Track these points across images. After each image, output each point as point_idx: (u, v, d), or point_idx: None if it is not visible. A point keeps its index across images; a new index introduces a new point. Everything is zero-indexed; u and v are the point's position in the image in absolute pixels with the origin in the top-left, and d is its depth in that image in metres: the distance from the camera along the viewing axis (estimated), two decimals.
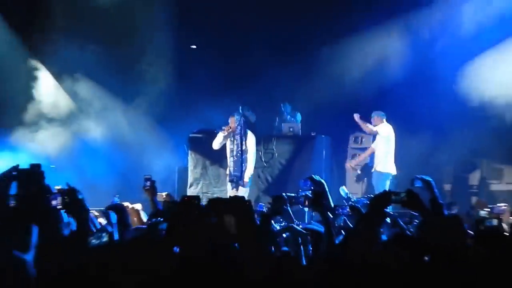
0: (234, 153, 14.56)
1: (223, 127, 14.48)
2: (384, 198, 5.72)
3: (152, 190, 8.63)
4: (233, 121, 14.39)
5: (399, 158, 15.48)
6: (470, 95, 16.01)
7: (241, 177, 14.47)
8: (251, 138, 14.70)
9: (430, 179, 6.88)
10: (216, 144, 14.58)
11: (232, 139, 14.54)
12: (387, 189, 12.26)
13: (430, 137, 16.50)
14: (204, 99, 17.35)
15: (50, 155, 16.61)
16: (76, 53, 17.54)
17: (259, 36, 17.79)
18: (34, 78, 18.24)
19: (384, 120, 15.11)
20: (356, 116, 15.19)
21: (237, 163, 14.59)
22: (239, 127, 14.47)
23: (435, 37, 17.14)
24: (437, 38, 17.08)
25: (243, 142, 14.65)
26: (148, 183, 8.56)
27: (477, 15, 16.33)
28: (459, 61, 16.42)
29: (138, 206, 9.18)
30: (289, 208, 7.80)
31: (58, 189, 5.90)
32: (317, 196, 6.76)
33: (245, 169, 14.50)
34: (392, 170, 15.04)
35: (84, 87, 18.20)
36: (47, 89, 18.35)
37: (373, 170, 15.20)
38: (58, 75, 18.19)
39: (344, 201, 10.99)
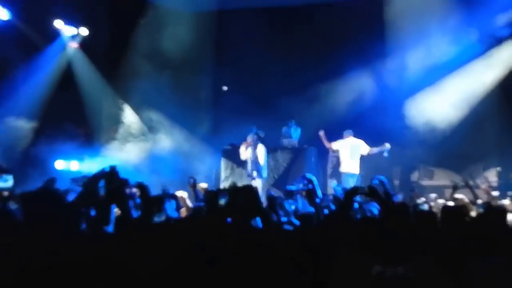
0: (250, 159, 17.84)
1: (243, 142, 17.94)
2: (354, 191, 6.88)
3: (194, 185, 11.44)
4: (249, 138, 17.76)
5: (367, 161, 18.23)
6: (414, 118, 19.17)
7: (255, 174, 17.58)
8: (261, 149, 17.85)
9: (383, 178, 8.31)
10: (242, 156, 17.90)
11: (249, 149, 17.87)
12: (352, 185, 15.77)
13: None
14: (233, 122, 19.82)
15: (133, 161, 19.32)
16: (148, 88, 20.36)
17: (274, 74, 20.38)
18: (120, 108, 21.08)
19: (350, 136, 18.10)
20: (321, 133, 18.18)
21: (252, 165, 17.78)
22: (252, 142, 17.74)
23: (393, 77, 19.75)
24: (394, 78, 19.74)
25: (255, 152, 17.79)
26: (191, 180, 11.43)
27: (419, 63, 19.24)
28: (408, 94, 19.41)
29: (184, 194, 10.84)
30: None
31: (136, 183, 6.52)
32: (311, 191, 8.08)
33: (260, 169, 17.64)
34: (355, 170, 18.02)
35: (155, 113, 20.87)
36: (130, 115, 21.08)
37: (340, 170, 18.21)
38: (136, 105, 20.87)
39: (334, 191, 12.29)
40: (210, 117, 21.01)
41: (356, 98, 20.06)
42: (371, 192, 6.91)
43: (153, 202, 6.48)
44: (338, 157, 18.76)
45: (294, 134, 20.22)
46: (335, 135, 18.68)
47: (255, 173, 17.75)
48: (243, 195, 5.81)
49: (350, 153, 18.25)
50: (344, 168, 18.38)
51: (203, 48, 20.73)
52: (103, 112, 21.06)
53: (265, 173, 18.12)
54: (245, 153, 18.00)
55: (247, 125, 19.70)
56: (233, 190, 6.21)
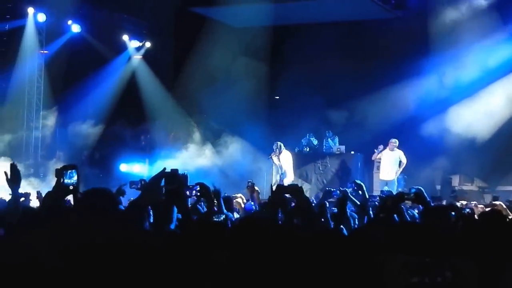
0: (277, 166, 18.82)
1: (271, 153, 18.73)
2: (400, 196, 6.89)
3: (252, 188, 11.34)
4: (275, 148, 18.55)
5: (410, 167, 18.57)
6: (455, 126, 19.06)
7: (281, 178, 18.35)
8: (284, 156, 18.64)
9: (421, 188, 7.65)
10: (276, 163, 18.78)
11: (275, 158, 18.66)
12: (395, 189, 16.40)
13: (431, 155, 19.19)
14: (285, 129, 20.58)
15: (193, 165, 19.13)
16: (207, 97, 20.85)
17: (323, 86, 20.37)
18: (180, 115, 21.64)
19: (392, 145, 18.38)
20: (380, 147, 18.52)
21: (277, 172, 18.87)
22: (277, 151, 18.49)
23: (434, 89, 19.76)
24: (435, 89, 19.75)
25: (279, 160, 18.58)
26: (249, 183, 11.45)
27: (460, 73, 19.28)
28: (450, 104, 19.46)
29: (240, 198, 11.20)
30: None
31: (198, 184, 6.47)
32: (345, 198, 7.60)
33: (284, 173, 18.42)
34: (391, 177, 18.37)
35: (214, 120, 21.66)
36: (190, 122, 21.64)
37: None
38: (195, 113, 21.50)
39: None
40: (265, 125, 20.94)
41: (399, 109, 20.05)
42: (417, 198, 6.87)
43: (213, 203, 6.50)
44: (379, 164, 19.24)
45: (331, 143, 20.61)
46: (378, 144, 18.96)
47: (279, 178, 18.54)
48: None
49: (388, 161, 18.64)
50: (381, 175, 18.86)
51: (260, 60, 21.04)
52: (163, 119, 21.64)
53: (290, 177, 18.70)
54: (276, 160, 18.87)
55: (301, 132, 20.67)
56: (280, 189, 6.10)
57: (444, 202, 13.27)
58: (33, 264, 3.98)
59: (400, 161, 18.50)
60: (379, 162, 19.17)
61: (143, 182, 7.04)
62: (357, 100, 20.36)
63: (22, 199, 8.02)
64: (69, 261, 3.95)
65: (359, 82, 20.50)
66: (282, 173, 18.67)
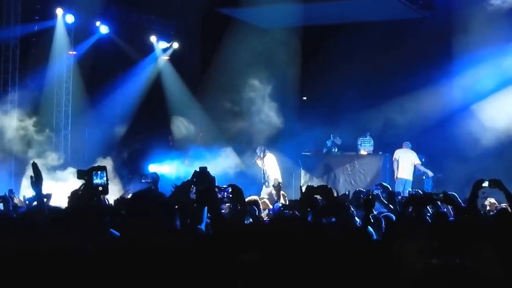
0: (262, 170, 18.88)
1: (255, 157, 18.94)
2: (430, 197, 7.21)
3: (278, 187, 12.37)
4: (258, 151, 18.89)
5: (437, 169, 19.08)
6: (482, 128, 18.75)
7: (267, 182, 18.41)
8: (269, 159, 18.80)
9: (454, 193, 8.28)
10: (259, 164, 18.93)
11: (259, 162, 18.89)
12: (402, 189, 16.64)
13: (461, 156, 18.65)
14: (312, 130, 20.23)
15: (221, 167, 19.02)
16: (233, 98, 21.08)
17: (351, 87, 20.11)
18: (204, 116, 21.67)
19: (406, 147, 19.14)
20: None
21: (264, 175, 18.80)
22: (261, 155, 18.74)
23: (461, 90, 19.47)
24: (462, 91, 19.46)
25: (263, 163, 18.80)
26: (277, 182, 12.63)
27: (486, 75, 19.00)
28: (476, 106, 19.24)
29: (266, 200, 11.61)
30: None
31: (230, 185, 6.21)
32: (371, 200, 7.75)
33: (268, 177, 18.53)
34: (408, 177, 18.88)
35: (238, 121, 21.37)
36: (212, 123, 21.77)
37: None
38: (220, 114, 21.27)
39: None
40: (293, 126, 21.09)
41: (428, 109, 19.98)
42: (446, 198, 7.00)
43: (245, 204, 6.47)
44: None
45: (368, 144, 20.64)
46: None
47: (267, 182, 18.61)
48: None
49: (404, 162, 19.14)
50: (400, 174, 19.18)
51: (287, 61, 20.85)
52: (187, 119, 21.72)
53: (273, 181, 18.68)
54: (259, 164, 19.03)
55: (326, 133, 20.69)
56: (310, 189, 6.19)
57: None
58: (67, 263, 4.01)
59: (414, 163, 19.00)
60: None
61: (155, 177, 7.10)
62: (385, 100, 20.22)
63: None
64: (105, 261, 4.03)
65: (387, 82, 20.41)
66: (266, 177, 18.75)
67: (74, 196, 5.55)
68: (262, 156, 18.89)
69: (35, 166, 5.42)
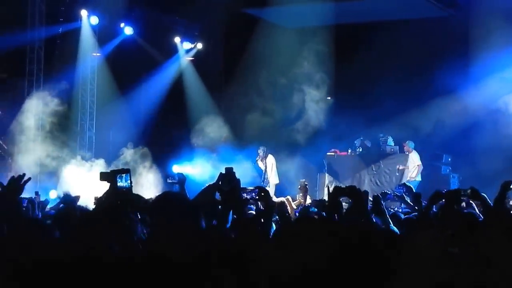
0: (263, 170, 19.15)
1: (256, 158, 19.24)
2: (458, 192, 6.88)
3: (304, 189, 12.46)
4: (260, 152, 19.21)
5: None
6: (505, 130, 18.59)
7: (266, 181, 18.72)
8: (270, 160, 19.16)
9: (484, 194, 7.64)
10: (261, 167, 19.22)
11: (261, 162, 19.21)
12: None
13: (487, 157, 18.12)
14: (338, 130, 20.38)
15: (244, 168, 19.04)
16: (258, 98, 21.04)
17: (378, 88, 19.81)
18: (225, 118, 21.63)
19: (409, 147, 19.12)
20: None
21: (263, 175, 19.08)
22: (263, 155, 19.11)
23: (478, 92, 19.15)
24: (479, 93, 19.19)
25: (265, 163, 19.17)
26: (303, 183, 12.48)
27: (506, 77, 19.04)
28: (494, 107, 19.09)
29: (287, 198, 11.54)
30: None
31: (257, 187, 6.22)
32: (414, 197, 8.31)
33: (268, 177, 18.94)
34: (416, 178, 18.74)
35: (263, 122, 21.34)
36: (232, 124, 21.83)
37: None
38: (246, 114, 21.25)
39: None
40: (320, 125, 21.01)
41: (454, 109, 19.72)
42: (473, 194, 6.90)
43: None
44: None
45: (390, 144, 20.58)
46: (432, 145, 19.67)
47: (266, 181, 18.85)
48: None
49: (412, 161, 19.20)
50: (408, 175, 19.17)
51: (313, 61, 20.78)
52: (207, 121, 21.48)
53: (275, 180, 19.24)
54: (261, 164, 19.30)
55: (354, 134, 20.72)
56: (338, 190, 6.04)
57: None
58: (97, 265, 4.06)
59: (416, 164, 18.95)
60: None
61: (181, 178, 7.15)
62: (410, 100, 19.97)
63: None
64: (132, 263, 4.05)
65: (414, 81, 20.34)
66: (265, 177, 19.01)
67: (100, 200, 5.45)
68: (263, 157, 19.16)
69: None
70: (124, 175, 5.27)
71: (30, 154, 17.71)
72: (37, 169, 17.69)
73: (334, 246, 3.95)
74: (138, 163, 19.01)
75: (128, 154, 19.21)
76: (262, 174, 19.31)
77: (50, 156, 17.85)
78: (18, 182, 5.24)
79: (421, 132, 20.03)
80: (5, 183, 5.26)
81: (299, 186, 13.69)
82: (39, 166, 17.75)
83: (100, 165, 17.82)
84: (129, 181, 5.29)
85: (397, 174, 19.56)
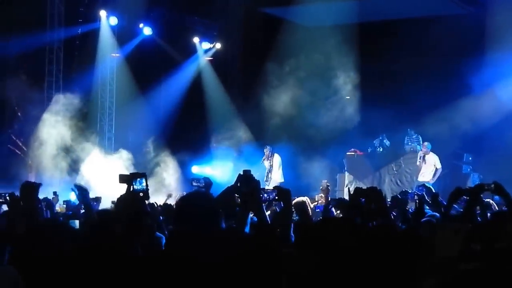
0: (267, 169, 19.11)
1: (263, 157, 19.22)
2: (481, 187, 6.94)
3: (326, 190, 11.70)
4: (266, 151, 19.15)
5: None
6: None
7: (269, 180, 18.68)
8: (276, 159, 19.15)
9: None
10: (266, 166, 19.13)
11: (266, 161, 19.16)
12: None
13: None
14: (356, 131, 20.51)
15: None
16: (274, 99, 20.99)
17: (406, 87, 19.78)
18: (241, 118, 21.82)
19: (425, 149, 18.65)
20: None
21: (268, 174, 19.04)
22: (270, 153, 19.08)
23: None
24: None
25: (271, 162, 19.17)
26: (326, 184, 11.93)
27: None
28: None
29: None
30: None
31: (274, 187, 6.26)
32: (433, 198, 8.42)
33: (272, 176, 18.91)
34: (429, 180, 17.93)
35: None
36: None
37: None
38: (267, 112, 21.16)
39: None
40: (338, 125, 20.79)
41: (477, 108, 19.34)
42: (496, 188, 6.84)
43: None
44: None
45: (415, 142, 20.15)
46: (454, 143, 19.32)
47: (269, 180, 18.79)
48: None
49: (428, 163, 18.79)
50: (420, 177, 18.72)
51: (331, 59, 20.67)
52: (226, 121, 21.74)
53: (280, 179, 19.11)
54: (266, 163, 19.21)
55: (373, 133, 20.45)
56: (358, 192, 6.16)
57: None
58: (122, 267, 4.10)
59: (435, 167, 18.52)
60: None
61: (207, 181, 7.14)
62: (432, 98, 19.88)
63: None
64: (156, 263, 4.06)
65: (436, 79, 20.24)
66: (269, 176, 18.95)
67: (119, 202, 5.48)
68: (270, 156, 19.13)
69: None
70: (139, 179, 5.39)
71: (50, 155, 17.80)
72: (57, 170, 17.78)
73: (357, 246, 3.92)
74: (159, 164, 19.13)
75: (151, 153, 19.41)
76: (266, 173, 19.17)
77: (70, 157, 18.02)
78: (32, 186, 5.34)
79: (443, 128, 19.51)
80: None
81: (321, 187, 13.63)
82: (58, 167, 17.83)
83: (121, 158, 17.95)
84: (144, 184, 5.40)
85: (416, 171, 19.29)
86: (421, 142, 19.63)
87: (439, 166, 18.53)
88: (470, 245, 4.35)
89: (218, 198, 5.78)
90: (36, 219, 6.12)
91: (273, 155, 19.22)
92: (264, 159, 19.23)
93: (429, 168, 18.66)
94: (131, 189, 5.38)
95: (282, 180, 19.03)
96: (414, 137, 20.10)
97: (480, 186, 6.89)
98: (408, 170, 19.72)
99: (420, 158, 18.86)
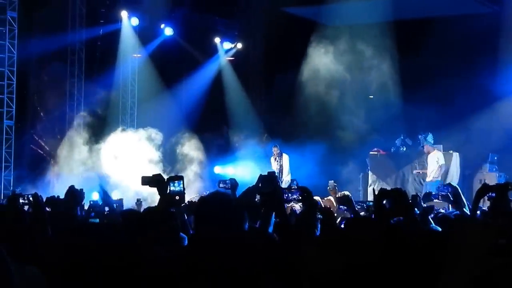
0: (277, 169, 18.45)
1: (271, 156, 18.92)
2: (507, 185, 6.71)
3: (334, 190, 12.48)
4: (275, 150, 18.77)
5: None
6: None
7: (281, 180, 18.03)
8: (285, 158, 18.84)
9: None
10: (272, 166, 18.66)
11: (276, 160, 18.76)
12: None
13: None
14: (379, 131, 20.40)
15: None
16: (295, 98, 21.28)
17: (417, 86, 19.72)
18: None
19: (431, 147, 18.39)
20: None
21: (278, 174, 18.22)
22: (279, 153, 18.67)
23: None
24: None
25: (281, 162, 18.76)
26: (332, 186, 12.38)
27: None
28: None
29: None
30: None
31: (298, 187, 6.27)
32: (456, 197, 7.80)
33: (282, 176, 18.46)
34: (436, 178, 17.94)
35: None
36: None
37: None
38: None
39: None
40: (358, 125, 20.87)
41: (501, 107, 19.42)
42: None
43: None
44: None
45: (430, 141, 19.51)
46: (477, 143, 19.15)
47: (281, 180, 18.22)
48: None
49: (430, 162, 18.54)
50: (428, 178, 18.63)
51: (354, 59, 20.58)
52: (247, 121, 21.76)
53: (288, 178, 18.68)
54: (273, 163, 18.87)
55: (396, 132, 20.29)
56: (383, 193, 5.92)
57: None
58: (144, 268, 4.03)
59: (438, 163, 18.25)
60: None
61: (233, 183, 7.19)
62: (456, 98, 19.71)
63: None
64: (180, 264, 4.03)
65: (459, 78, 19.92)
66: (280, 176, 18.45)
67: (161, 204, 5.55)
68: (279, 155, 18.86)
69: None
70: (176, 181, 5.44)
71: (72, 154, 17.96)
72: (79, 170, 17.89)
73: (382, 247, 3.90)
74: (185, 163, 19.22)
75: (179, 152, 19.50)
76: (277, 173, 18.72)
77: (92, 158, 18.05)
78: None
79: (466, 128, 19.70)
80: (45, 183, 5.51)
81: (329, 187, 13.56)
82: (81, 167, 17.94)
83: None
84: (181, 187, 5.45)
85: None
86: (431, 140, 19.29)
87: (442, 162, 18.27)
88: (497, 240, 4.43)
89: (240, 198, 6.02)
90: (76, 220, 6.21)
91: (282, 154, 18.91)
92: (272, 158, 18.96)
93: (431, 167, 18.44)
94: (168, 191, 5.42)
95: (289, 179, 18.59)
96: (428, 136, 19.43)
97: (507, 183, 6.76)
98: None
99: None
